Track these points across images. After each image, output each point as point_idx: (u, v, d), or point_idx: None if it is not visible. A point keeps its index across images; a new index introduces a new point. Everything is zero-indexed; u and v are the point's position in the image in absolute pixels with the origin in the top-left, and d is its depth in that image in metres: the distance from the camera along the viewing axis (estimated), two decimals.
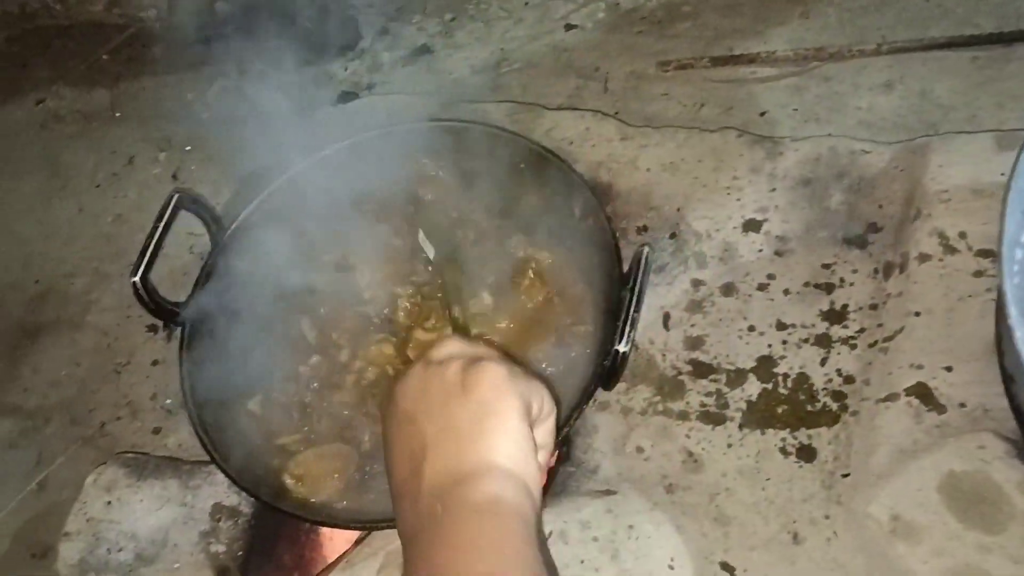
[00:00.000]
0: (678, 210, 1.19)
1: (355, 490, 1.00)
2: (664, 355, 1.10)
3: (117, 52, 1.67)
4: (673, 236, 1.17)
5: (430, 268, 1.11)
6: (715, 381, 1.07)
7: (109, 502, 1.11)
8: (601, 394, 1.04)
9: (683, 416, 1.06)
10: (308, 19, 1.53)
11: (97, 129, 1.61)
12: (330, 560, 1.05)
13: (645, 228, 1.19)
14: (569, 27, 1.51)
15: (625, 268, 0.97)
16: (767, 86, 1.32)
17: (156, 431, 1.22)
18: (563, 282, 1.10)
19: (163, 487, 1.11)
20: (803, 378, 1.05)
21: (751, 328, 1.09)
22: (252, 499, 1.06)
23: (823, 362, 1.05)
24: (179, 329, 1.07)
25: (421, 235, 1.09)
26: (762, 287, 1.12)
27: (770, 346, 1.08)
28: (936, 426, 0.94)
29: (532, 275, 1.09)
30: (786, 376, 1.06)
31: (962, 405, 0.95)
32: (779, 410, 1.04)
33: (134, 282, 1.00)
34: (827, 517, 0.96)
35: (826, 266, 1.11)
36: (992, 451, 0.90)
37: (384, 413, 0.71)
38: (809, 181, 1.16)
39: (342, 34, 1.58)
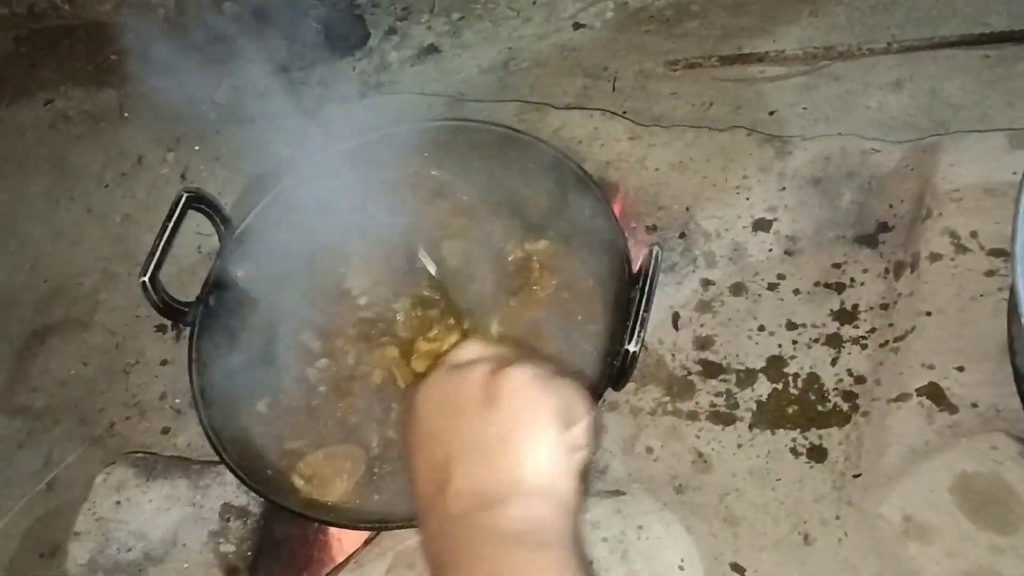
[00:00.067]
0: (687, 209, 1.19)
1: (364, 490, 1.00)
2: (673, 355, 1.10)
3: (125, 52, 1.66)
4: (682, 235, 1.17)
5: (427, 285, 1.10)
6: (725, 381, 1.07)
7: (118, 502, 1.11)
8: (610, 394, 1.04)
9: (693, 416, 1.05)
10: (316, 19, 1.53)
11: (105, 129, 1.61)
12: (339, 560, 1.05)
13: (654, 227, 1.19)
14: (577, 26, 1.50)
15: (635, 268, 0.96)
16: (776, 85, 1.32)
17: (165, 431, 1.22)
18: (573, 280, 1.10)
19: (172, 487, 1.11)
20: (813, 378, 1.05)
21: (761, 328, 1.09)
22: (261, 499, 1.06)
23: (834, 362, 1.05)
24: (188, 329, 1.07)
25: (422, 252, 1.08)
26: (772, 287, 1.11)
27: (780, 346, 1.07)
28: (948, 426, 0.94)
29: (538, 266, 1.09)
30: (796, 376, 1.05)
31: (974, 405, 0.95)
32: (789, 410, 1.03)
33: (143, 282, 1.00)
34: (838, 518, 0.95)
35: (836, 266, 1.11)
36: (1004, 451, 0.89)
37: (404, 422, 0.66)
38: (819, 180, 1.16)
39: (350, 34, 1.57)
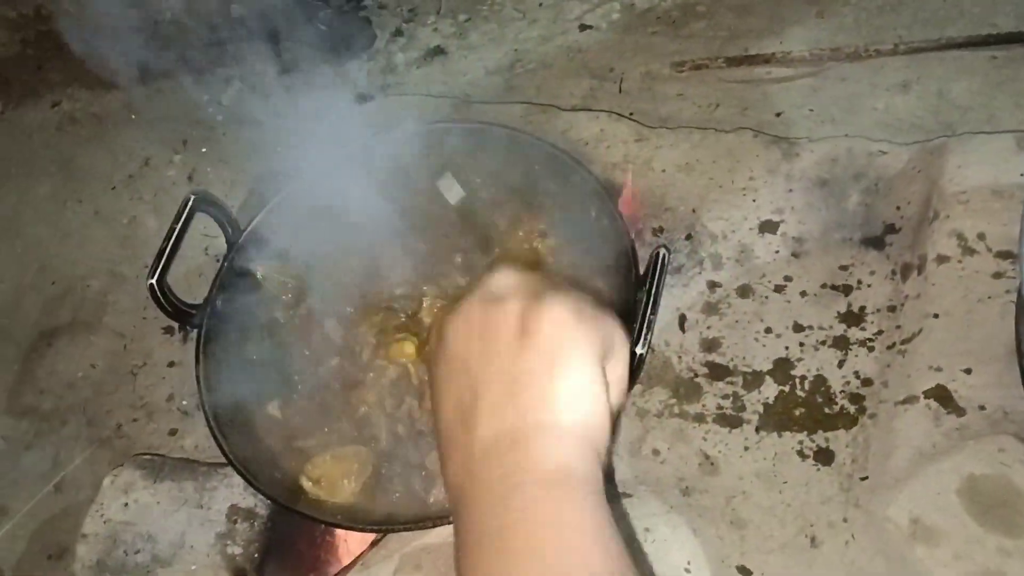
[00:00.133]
0: (693, 211, 1.18)
1: (371, 492, 1.00)
2: (680, 357, 1.10)
3: (132, 54, 1.67)
4: (689, 237, 1.17)
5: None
6: (732, 383, 1.07)
7: (126, 504, 1.11)
8: None
9: (699, 418, 1.05)
10: (322, 21, 1.53)
11: (112, 131, 1.61)
12: (346, 562, 1.05)
13: (661, 229, 1.19)
14: (583, 27, 1.51)
15: (641, 270, 0.96)
16: (783, 86, 1.32)
17: (172, 432, 1.23)
18: (579, 282, 1.09)
19: (179, 489, 1.11)
20: (820, 380, 1.04)
21: (768, 330, 1.09)
22: (268, 501, 1.06)
23: (841, 364, 1.05)
24: (195, 331, 1.07)
25: (448, 176, 1.05)
26: (779, 289, 1.11)
27: (787, 348, 1.07)
28: (955, 429, 0.94)
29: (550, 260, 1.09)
30: (803, 378, 1.05)
31: (981, 407, 0.94)
32: (796, 413, 1.03)
33: (151, 284, 1.01)
34: (845, 520, 0.95)
35: (843, 268, 1.10)
36: (1012, 454, 0.89)
37: (433, 352, 0.63)
38: (826, 182, 1.16)
39: (356, 36, 1.58)
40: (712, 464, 1.02)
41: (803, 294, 1.10)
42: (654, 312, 0.90)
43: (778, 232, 1.14)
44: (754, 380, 1.06)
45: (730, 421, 1.04)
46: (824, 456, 1.00)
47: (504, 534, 0.52)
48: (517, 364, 0.56)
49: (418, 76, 1.53)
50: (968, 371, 0.97)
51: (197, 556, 1.06)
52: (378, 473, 1.01)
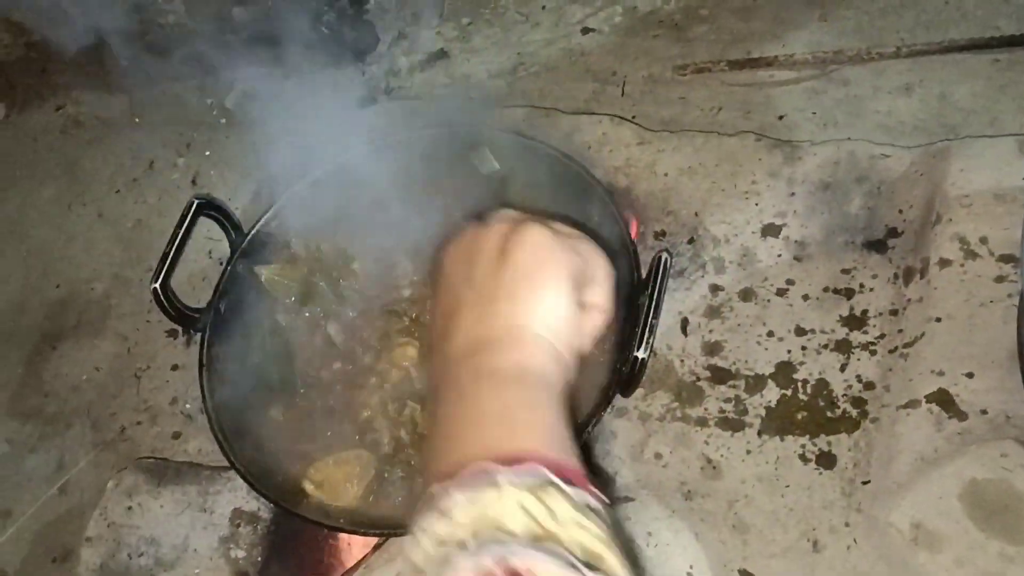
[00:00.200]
0: (696, 215, 1.19)
1: (374, 496, 1.00)
2: (682, 361, 1.10)
3: (136, 58, 1.67)
4: (691, 241, 1.17)
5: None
6: (734, 387, 1.07)
7: (130, 507, 1.11)
8: (619, 400, 1.04)
9: (701, 422, 1.05)
10: (326, 24, 1.54)
11: (116, 134, 1.62)
12: (348, 565, 1.05)
13: (663, 233, 1.19)
14: (586, 31, 1.51)
15: (643, 273, 0.96)
16: (785, 89, 1.31)
17: (176, 436, 1.23)
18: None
19: (183, 492, 1.11)
20: (823, 384, 1.04)
21: (770, 334, 1.09)
22: (271, 505, 1.06)
23: (843, 368, 1.05)
24: (199, 334, 1.07)
25: (484, 149, 1.07)
26: (781, 292, 1.11)
27: (789, 352, 1.07)
28: (957, 433, 0.94)
29: None
30: (805, 382, 1.05)
31: (984, 412, 0.94)
32: (798, 416, 1.03)
33: (154, 288, 1.01)
34: (847, 525, 0.95)
35: (846, 271, 1.11)
36: (1014, 459, 0.89)
37: (431, 274, 0.70)
38: (828, 185, 1.16)
39: (360, 39, 1.58)
40: (714, 468, 1.02)
41: (805, 298, 1.10)
42: (656, 316, 0.90)
43: (780, 236, 1.14)
44: (756, 384, 1.06)
45: (732, 425, 1.04)
46: (826, 460, 1.00)
47: (456, 421, 0.57)
48: (494, 280, 0.62)
49: (421, 79, 1.53)
50: (970, 375, 0.97)
51: (200, 559, 1.07)
52: (380, 477, 1.01)
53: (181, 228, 1.04)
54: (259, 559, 1.07)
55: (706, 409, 1.06)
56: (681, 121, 1.31)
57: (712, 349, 1.10)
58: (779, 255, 1.13)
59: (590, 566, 0.45)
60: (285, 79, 1.61)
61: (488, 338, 0.60)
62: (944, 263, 1.03)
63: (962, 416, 0.95)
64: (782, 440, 1.02)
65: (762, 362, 1.07)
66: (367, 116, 1.47)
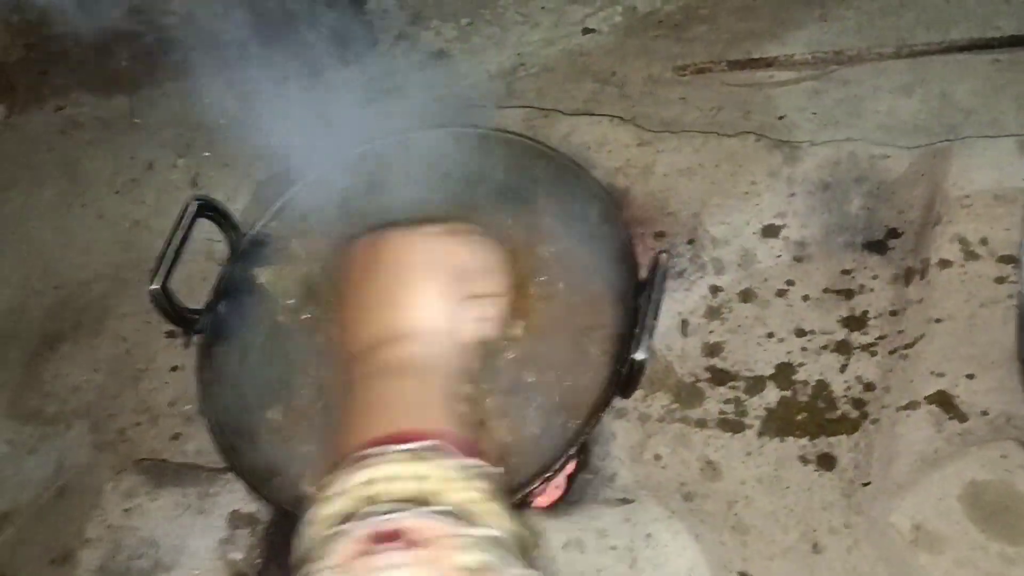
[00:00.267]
0: (695, 215, 1.18)
1: None
2: (682, 362, 1.10)
3: (136, 59, 1.67)
4: (691, 242, 1.17)
5: None
6: (733, 388, 1.06)
7: (128, 509, 1.11)
8: (618, 401, 1.04)
9: (701, 423, 1.05)
10: (325, 25, 1.54)
11: (116, 135, 1.62)
12: None
13: (662, 234, 1.18)
14: (586, 31, 1.50)
15: (642, 274, 0.96)
16: (785, 90, 1.31)
17: (175, 437, 1.23)
18: (581, 286, 1.09)
19: (182, 494, 1.11)
20: (823, 385, 1.04)
21: (770, 335, 1.09)
22: (270, 506, 1.06)
23: (843, 369, 1.05)
24: (197, 336, 1.07)
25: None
26: (781, 293, 1.11)
27: (789, 353, 1.07)
28: (958, 434, 0.94)
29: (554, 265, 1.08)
30: (805, 383, 1.05)
31: (984, 413, 0.94)
32: (798, 418, 1.03)
33: (153, 290, 1.00)
34: (847, 526, 0.95)
35: (846, 272, 1.10)
36: (1015, 460, 0.89)
37: (332, 282, 0.76)
38: (828, 186, 1.16)
39: (359, 39, 1.58)
40: (714, 469, 1.02)
41: (805, 298, 1.10)
42: (655, 317, 0.90)
43: (780, 236, 1.14)
44: (756, 385, 1.06)
45: (732, 426, 1.04)
46: (826, 461, 1.00)
47: (348, 414, 0.60)
48: (369, 289, 0.68)
49: (420, 80, 1.53)
50: (971, 376, 0.96)
51: (199, 561, 1.07)
52: None
53: (179, 229, 1.03)
54: (258, 561, 1.07)
55: (706, 410, 1.06)
56: (681, 122, 1.31)
57: (712, 350, 1.10)
58: (779, 256, 1.13)
59: (464, 517, 0.47)
60: (284, 80, 1.60)
61: (375, 340, 0.64)
62: (944, 264, 1.03)
63: (962, 417, 0.94)
64: (782, 441, 1.02)
65: (762, 363, 1.07)
66: (366, 116, 1.47)
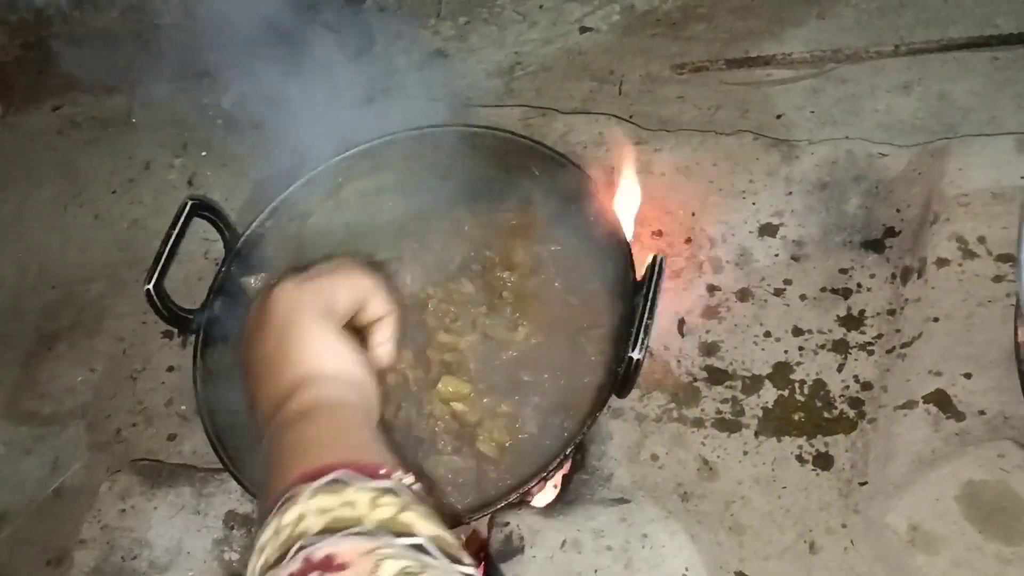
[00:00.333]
0: (693, 215, 1.18)
1: None
2: (679, 361, 1.09)
3: (133, 59, 1.67)
4: (688, 241, 1.16)
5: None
6: (731, 388, 1.06)
7: (123, 510, 1.11)
8: (615, 401, 1.03)
9: (698, 423, 1.05)
10: (323, 24, 1.53)
11: (113, 135, 1.61)
12: None
13: (660, 233, 1.18)
14: (584, 30, 1.50)
15: (639, 274, 0.96)
16: (783, 88, 1.31)
17: (171, 437, 1.22)
18: (578, 285, 1.09)
19: (177, 495, 1.11)
20: (820, 385, 1.04)
21: (767, 334, 1.08)
22: None
23: (840, 368, 1.04)
24: (193, 336, 1.06)
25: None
26: (778, 292, 1.11)
27: (786, 352, 1.07)
28: (955, 434, 0.93)
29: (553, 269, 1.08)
30: (803, 383, 1.04)
31: (981, 412, 0.94)
32: (796, 417, 1.03)
33: (147, 290, 1.00)
34: (844, 526, 0.95)
35: (843, 271, 1.10)
36: (1012, 460, 0.89)
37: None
38: (826, 185, 1.15)
39: (356, 39, 1.57)
40: (711, 469, 1.02)
41: (803, 298, 1.10)
42: (651, 317, 0.90)
43: (778, 235, 1.14)
44: (753, 384, 1.06)
45: (729, 426, 1.04)
46: (823, 461, 0.99)
47: (268, 467, 0.61)
48: (265, 345, 0.68)
49: (418, 79, 1.53)
50: (968, 376, 0.96)
51: (194, 562, 1.06)
52: None
53: (175, 229, 1.03)
54: None
55: (703, 410, 1.05)
56: (678, 120, 1.31)
57: (709, 349, 1.09)
58: (776, 255, 1.13)
59: (388, 531, 0.49)
60: (282, 79, 1.60)
61: (278, 396, 0.65)
62: (942, 263, 1.03)
63: (960, 417, 0.94)
64: (779, 441, 1.01)
65: (759, 363, 1.07)
66: (364, 115, 1.47)
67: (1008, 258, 1.00)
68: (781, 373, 1.06)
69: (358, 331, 0.75)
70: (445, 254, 1.12)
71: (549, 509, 1.00)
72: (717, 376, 1.07)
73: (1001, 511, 0.86)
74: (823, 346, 1.06)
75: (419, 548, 0.48)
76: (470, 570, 0.49)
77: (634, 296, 0.94)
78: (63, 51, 1.71)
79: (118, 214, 1.50)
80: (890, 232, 1.11)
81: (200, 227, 1.08)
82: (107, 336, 1.36)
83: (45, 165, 1.62)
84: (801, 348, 1.06)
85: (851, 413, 1.01)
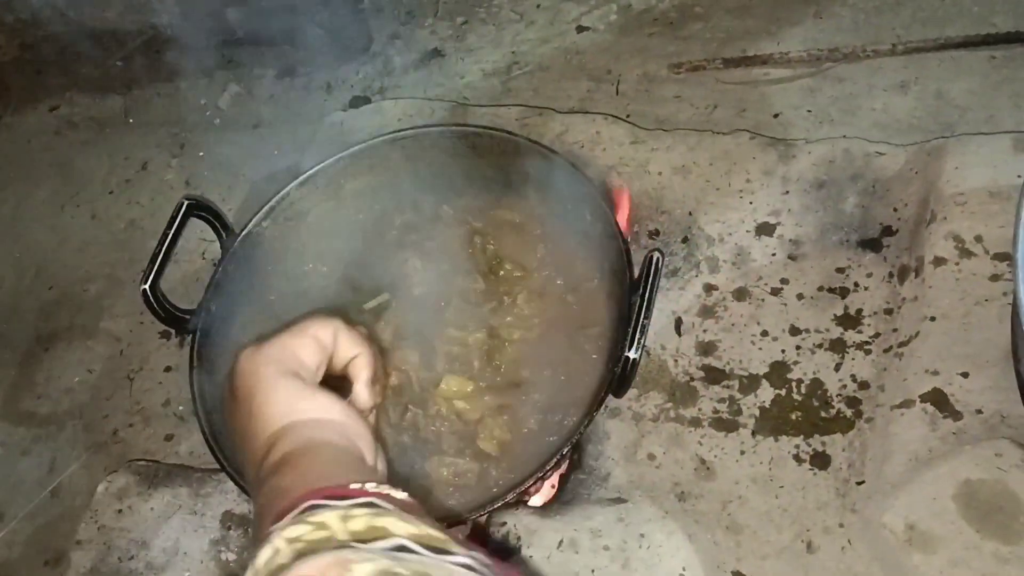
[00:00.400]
0: (690, 214, 1.18)
1: None
2: (676, 361, 1.09)
3: (130, 59, 1.67)
4: (685, 240, 1.16)
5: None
6: (728, 387, 1.06)
7: (120, 510, 1.11)
8: (612, 400, 1.03)
9: (695, 423, 1.05)
10: (319, 24, 1.53)
11: (110, 135, 1.61)
12: None
13: (657, 232, 1.18)
14: (581, 29, 1.50)
15: (636, 273, 0.96)
16: (780, 87, 1.31)
17: (168, 438, 1.22)
18: (576, 285, 1.09)
19: (174, 495, 1.11)
20: (817, 384, 1.04)
21: (764, 333, 1.08)
22: None
23: (837, 368, 1.04)
24: (190, 336, 1.06)
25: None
26: (775, 292, 1.11)
27: (784, 351, 1.07)
28: (952, 433, 0.93)
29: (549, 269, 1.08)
30: (800, 382, 1.04)
31: (979, 412, 0.94)
32: (793, 417, 1.02)
33: (144, 290, 1.00)
34: (841, 526, 0.94)
35: (840, 270, 1.10)
36: (1009, 459, 0.88)
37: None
38: (823, 184, 1.15)
39: (353, 39, 1.57)
40: (708, 469, 1.01)
41: (800, 297, 1.09)
42: (647, 317, 0.90)
43: (775, 235, 1.14)
44: (750, 384, 1.06)
45: (726, 425, 1.04)
46: (820, 461, 0.99)
47: (255, 518, 0.62)
48: (240, 412, 0.70)
49: (415, 79, 1.53)
50: (965, 375, 0.96)
51: (191, 562, 1.06)
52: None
53: (171, 229, 1.03)
54: None
55: (700, 409, 1.05)
56: (675, 119, 1.31)
57: (706, 349, 1.09)
58: (773, 254, 1.13)
59: (362, 539, 0.50)
60: (279, 79, 1.60)
61: (259, 456, 0.66)
62: (939, 261, 1.03)
63: (957, 416, 0.94)
64: (776, 440, 1.01)
65: (756, 362, 1.07)
66: (361, 115, 1.47)
67: (1005, 257, 1.00)
68: (778, 372, 1.06)
69: (344, 378, 0.77)
70: (443, 253, 1.12)
71: (546, 509, 1.00)
72: (714, 375, 1.07)
73: (998, 510, 0.86)
74: (820, 345, 1.06)
75: (402, 548, 0.49)
76: (461, 559, 0.49)
77: (631, 295, 0.94)
78: (60, 51, 1.72)
79: (115, 214, 1.50)
80: (887, 231, 1.11)
81: (197, 227, 1.08)
82: (104, 336, 1.36)
83: (42, 165, 1.62)
84: (798, 347, 1.06)
85: (848, 412, 1.01)
